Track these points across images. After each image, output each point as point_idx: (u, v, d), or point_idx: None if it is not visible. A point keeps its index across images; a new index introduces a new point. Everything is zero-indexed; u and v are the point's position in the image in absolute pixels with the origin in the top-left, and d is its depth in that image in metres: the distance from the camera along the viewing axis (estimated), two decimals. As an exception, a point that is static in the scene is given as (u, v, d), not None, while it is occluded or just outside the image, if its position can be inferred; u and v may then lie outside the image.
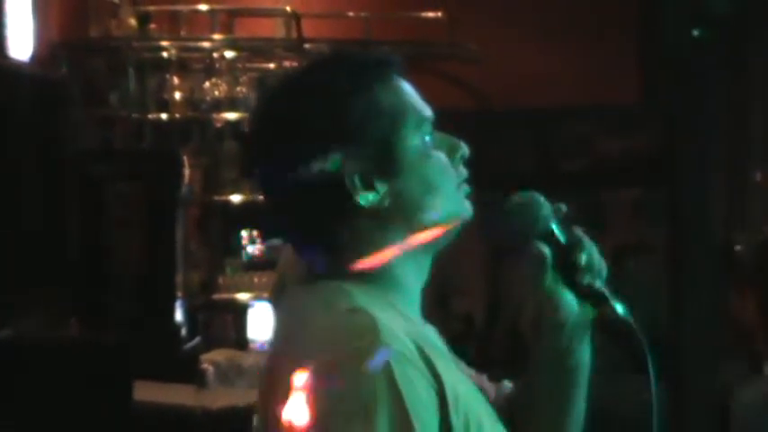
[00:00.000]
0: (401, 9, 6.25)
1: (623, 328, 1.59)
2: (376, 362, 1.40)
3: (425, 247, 1.59)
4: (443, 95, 5.92)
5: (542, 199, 1.61)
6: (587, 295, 1.60)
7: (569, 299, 1.62)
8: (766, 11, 6.59)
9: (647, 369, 1.57)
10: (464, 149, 1.62)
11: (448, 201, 1.59)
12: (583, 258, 1.60)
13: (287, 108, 1.57)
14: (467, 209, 1.61)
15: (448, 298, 6.16)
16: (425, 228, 1.58)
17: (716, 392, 5.67)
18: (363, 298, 1.50)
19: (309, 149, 1.54)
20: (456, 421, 1.45)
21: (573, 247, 1.60)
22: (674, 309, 5.96)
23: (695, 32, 6.14)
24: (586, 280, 1.60)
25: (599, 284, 1.61)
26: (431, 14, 6.15)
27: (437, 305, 6.05)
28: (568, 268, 1.60)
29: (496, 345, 6.01)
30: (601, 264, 1.62)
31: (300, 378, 1.44)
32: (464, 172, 1.62)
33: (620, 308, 1.59)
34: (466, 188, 1.62)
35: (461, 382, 1.53)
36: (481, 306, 6.22)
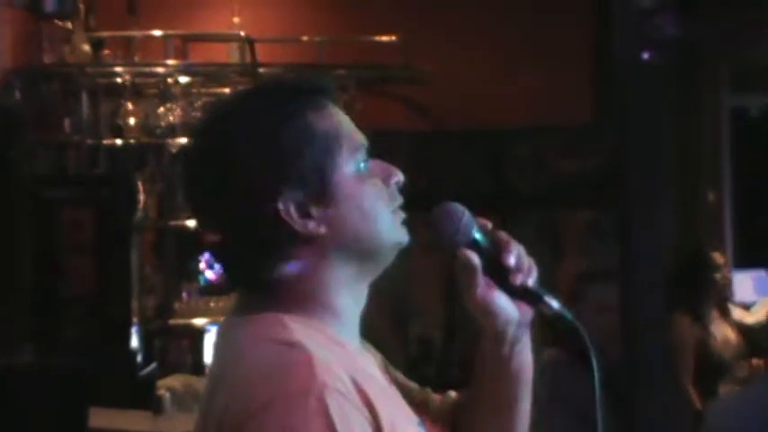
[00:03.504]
0: (355, 33, 6.28)
1: (562, 323, 1.59)
2: (311, 400, 1.39)
3: (362, 274, 1.58)
4: (397, 117, 5.96)
5: (460, 207, 1.60)
6: (522, 295, 1.60)
7: (506, 305, 1.60)
8: (715, 32, 6.68)
9: (590, 361, 1.58)
10: (399, 176, 1.60)
11: (384, 227, 1.57)
12: (511, 259, 1.58)
13: (218, 138, 1.55)
14: (402, 234, 1.59)
15: (405, 321, 6.17)
16: (362, 255, 1.56)
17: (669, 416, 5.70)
18: (300, 330, 1.49)
19: (243, 179, 1.52)
20: None
21: (499, 249, 1.59)
22: (624, 331, 5.97)
23: (645, 54, 6.20)
24: (519, 280, 1.59)
25: (531, 283, 1.60)
26: (385, 38, 6.18)
27: (395, 328, 6.05)
28: (499, 272, 1.59)
29: (455, 364, 6.02)
30: (531, 262, 1.60)
31: (236, 416, 1.43)
32: (399, 198, 1.60)
33: (555, 304, 1.59)
34: (401, 214, 1.60)
35: (399, 412, 1.53)
36: (438, 326, 6.24)
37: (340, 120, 1.59)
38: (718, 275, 5.93)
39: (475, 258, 1.58)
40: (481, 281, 1.59)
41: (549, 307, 1.59)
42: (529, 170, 6.32)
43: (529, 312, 1.62)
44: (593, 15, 6.46)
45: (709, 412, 4.00)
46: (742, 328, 5.92)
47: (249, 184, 1.51)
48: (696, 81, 6.98)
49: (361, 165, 1.58)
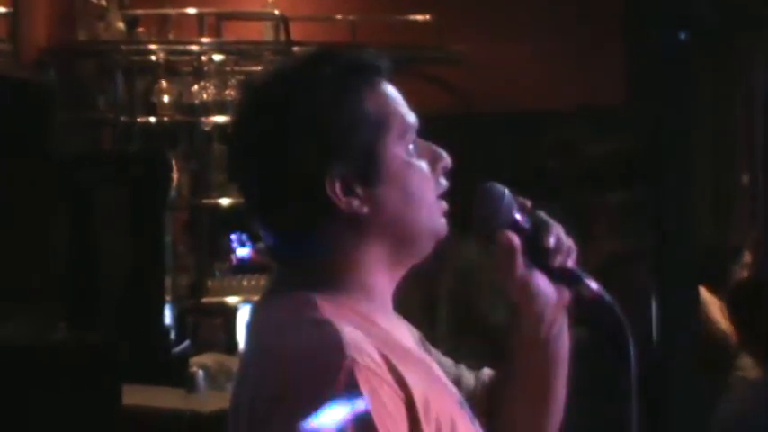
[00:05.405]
0: (389, 12, 6.27)
1: (600, 305, 1.59)
2: (340, 378, 1.39)
3: (399, 260, 1.57)
4: (429, 98, 5.94)
5: (501, 188, 1.59)
6: (561, 277, 1.59)
7: (545, 287, 1.60)
8: (752, 14, 6.62)
9: (627, 345, 1.57)
10: (447, 160, 1.59)
11: (425, 214, 1.56)
12: (551, 241, 1.58)
13: (271, 105, 1.54)
14: (442, 225, 1.58)
15: (435, 302, 6.16)
16: (401, 240, 1.56)
17: (699, 402, 5.70)
18: (331, 309, 1.49)
19: (292, 149, 1.52)
20: (427, 428, 1.44)
21: (539, 231, 1.58)
22: (658, 315, 5.97)
23: (681, 35, 6.16)
24: (558, 262, 1.58)
25: (570, 264, 1.59)
26: (419, 18, 6.17)
27: (424, 310, 6.05)
28: (538, 253, 1.58)
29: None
30: (569, 243, 1.60)
31: (266, 398, 1.44)
32: (444, 183, 1.59)
33: (594, 285, 1.59)
34: (444, 204, 1.59)
35: (433, 386, 1.52)
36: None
37: (393, 99, 1.57)
38: (738, 270, 5.99)
39: (515, 240, 1.58)
40: (521, 263, 1.58)
41: (588, 288, 1.59)
42: (561, 152, 6.30)
43: (567, 294, 1.61)
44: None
45: (723, 404, 4.00)
46: None
47: (298, 155, 1.51)
48: (729, 63, 6.94)
49: (410, 146, 1.56)
